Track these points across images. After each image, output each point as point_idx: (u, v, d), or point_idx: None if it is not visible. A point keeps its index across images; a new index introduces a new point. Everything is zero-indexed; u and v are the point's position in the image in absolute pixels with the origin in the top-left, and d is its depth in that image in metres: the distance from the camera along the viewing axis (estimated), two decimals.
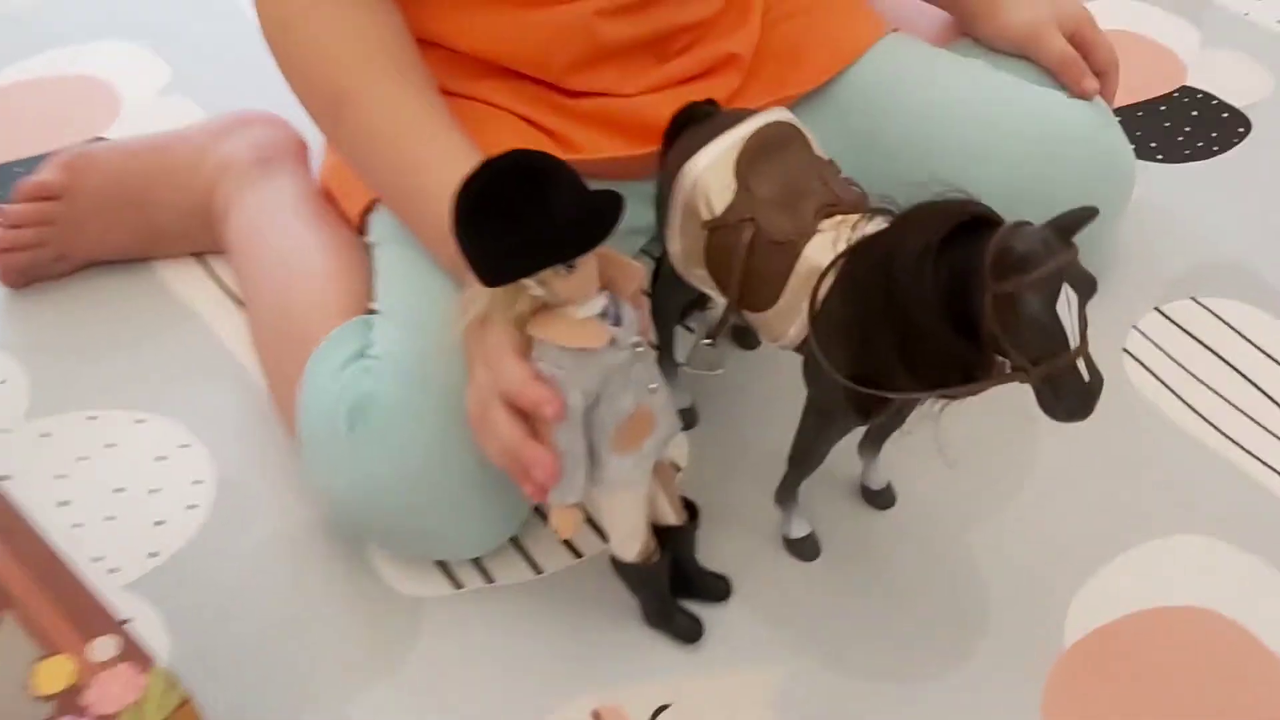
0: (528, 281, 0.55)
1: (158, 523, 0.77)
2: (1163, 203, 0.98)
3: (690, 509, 0.69)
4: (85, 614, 0.60)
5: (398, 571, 0.75)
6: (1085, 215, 0.54)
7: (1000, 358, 0.55)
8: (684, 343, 0.80)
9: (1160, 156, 1.02)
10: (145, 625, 0.71)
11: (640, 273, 0.60)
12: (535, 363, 0.58)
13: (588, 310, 0.57)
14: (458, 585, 0.74)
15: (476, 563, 0.75)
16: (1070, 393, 0.53)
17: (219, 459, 0.80)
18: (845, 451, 0.73)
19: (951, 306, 0.55)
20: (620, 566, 0.68)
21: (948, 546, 0.76)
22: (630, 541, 0.66)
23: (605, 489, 0.62)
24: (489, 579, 0.74)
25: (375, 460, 0.69)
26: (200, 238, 0.91)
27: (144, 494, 0.78)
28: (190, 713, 0.57)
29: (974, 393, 0.56)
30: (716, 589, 0.73)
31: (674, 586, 0.70)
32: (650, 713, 0.68)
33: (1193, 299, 0.90)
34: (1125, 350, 0.87)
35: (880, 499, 0.78)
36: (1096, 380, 0.54)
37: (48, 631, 0.59)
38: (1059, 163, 0.80)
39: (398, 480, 0.69)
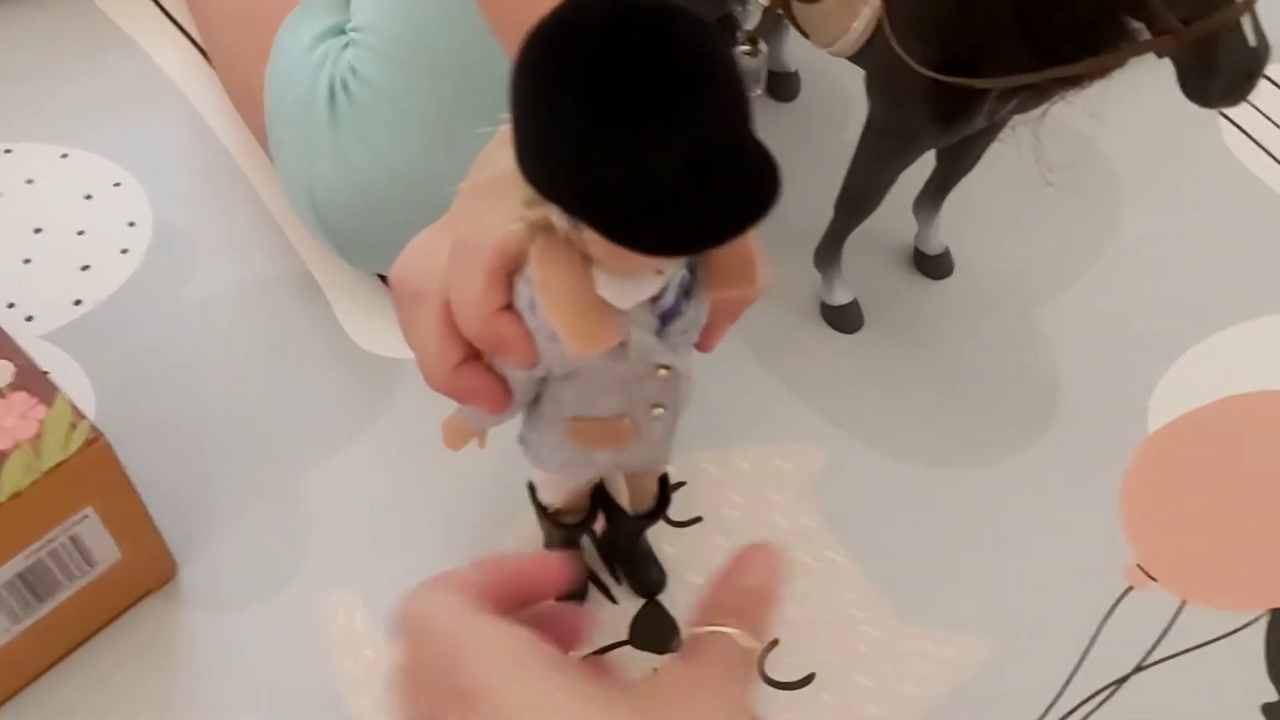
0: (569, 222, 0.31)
1: (84, 267, 0.65)
2: None
3: (661, 497, 0.49)
4: None
5: (368, 330, 0.63)
6: None
7: (1136, 22, 0.43)
8: None
9: None
10: (66, 381, 0.59)
11: (756, 289, 0.35)
12: (517, 285, 0.35)
13: (629, 290, 0.33)
14: None
15: None
16: (1230, 62, 0.41)
17: (156, 201, 0.68)
18: (897, 204, 0.62)
19: None
20: (532, 493, 0.50)
21: (1011, 323, 0.66)
22: (549, 489, 0.49)
23: (530, 452, 0.43)
24: None
25: (358, 146, 0.57)
26: None
27: (68, 235, 0.66)
28: (103, 453, 0.46)
29: (1102, 72, 0.45)
30: (646, 579, 0.55)
31: (602, 547, 0.56)
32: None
33: None
34: (1219, 111, 0.75)
35: (936, 266, 0.66)
36: (1263, 46, 0.42)
37: None
38: None
39: (383, 171, 0.58)
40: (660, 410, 0.39)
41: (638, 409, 0.39)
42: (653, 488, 0.49)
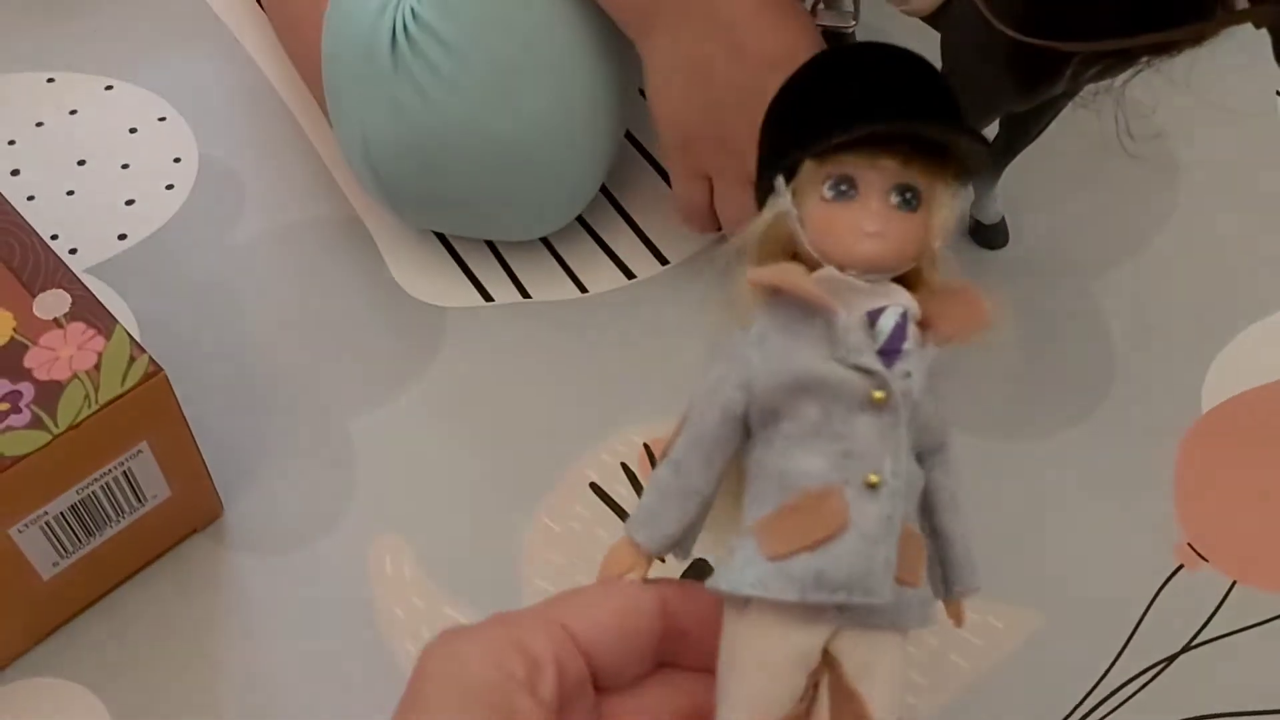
0: (780, 186, 0.29)
1: (128, 202, 0.64)
2: None
3: None
4: (29, 263, 0.47)
5: (417, 279, 0.62)
6: None
7: None
8: None
9: None
10: None
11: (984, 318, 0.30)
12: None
13: (840, 290, 0.28)
14: (488, 298, 0.62)
15: (510, 274, 0.63)
16: None
17: (202, 138, 0.67)
18: None
19: None
20: None
21: (1066, 295, 0.65)
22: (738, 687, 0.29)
23: (727, 584, 0.28)
24: (525, 294, 0.62)
25: (416, 96, 0.56)
26: None
27: (112, 169, 0.65)
28: (161, 387, 0.45)
29: (1196, 40, 0.43)
30: None
31: None
32: None
33: None
34: None
35: (991, 235, 0.65)
36: None
37: None
38: None
39: (439, 125, 0.56)
40: (878, 478, 0.28)
41: (851, 470, 0.28)
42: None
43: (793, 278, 0.28)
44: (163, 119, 0.67)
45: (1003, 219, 0.65)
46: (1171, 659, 0.54)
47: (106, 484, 0.46)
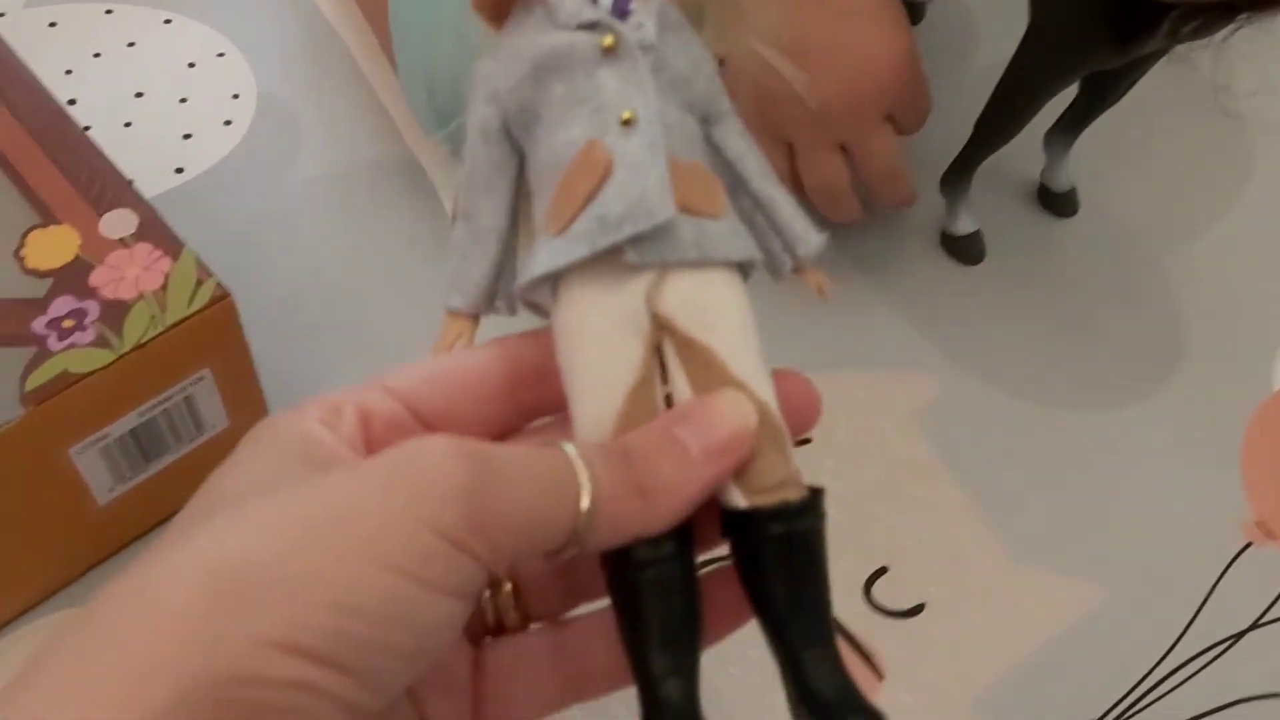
0: None
1: (186, 136, 0.63)
2: None
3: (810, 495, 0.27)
4: (96, 183, 0.46)
5: None
6: None
7: None
8: None
9: None
10: None
11: None
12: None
13: None
14: None
15: None
16: None
17: (261, 75, 0.66)
18: (1025, 134, 0.59)
19: None
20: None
21: (1137, 267, 0.63)
22: (593, 425, 0.26)
23: (524, 278, 0.27)
24: None
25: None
26: None
27: (170, 102, 0.64)
28: (228, 311, 0.44)
29: None
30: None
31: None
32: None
33: None
34: None
35: (1062, 204, 0.64)
36: None
37: (48, 197, 0.46)
38: None
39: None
40: (630, 114, 0.26)
41: (606, 122, 0.26)
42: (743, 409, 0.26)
43: None
44: (221, 54, 0.66)
45: (1073, 188, 0.64)
46: (1238, 637, 0.53)
47: (168, 409, 0.45)
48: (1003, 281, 0.62)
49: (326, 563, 0.20)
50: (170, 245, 0.45)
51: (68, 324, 0.42)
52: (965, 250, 0.62)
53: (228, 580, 0.20)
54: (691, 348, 0.26)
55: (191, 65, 0.66)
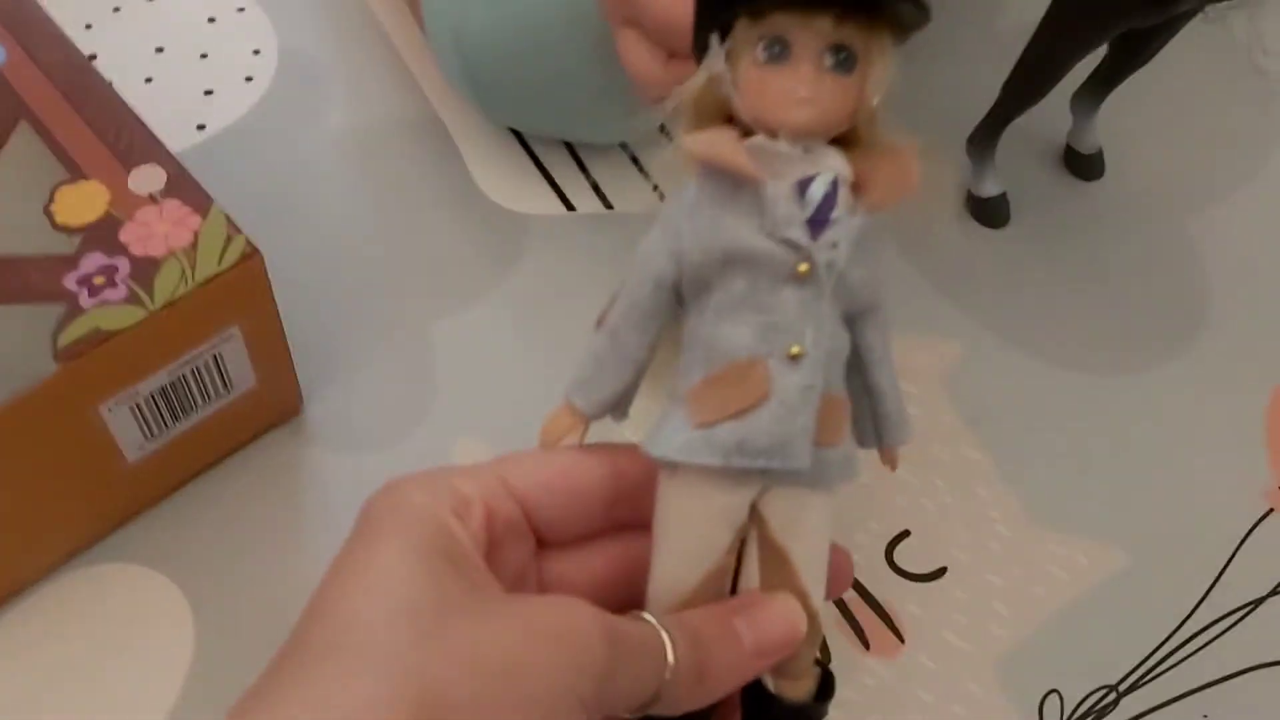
0: (714, 46, 0.28)
1: (206, 92, 0.62)
2: None
3: (824, 681, 0.31)
4: (123, 138, 0.46)
5: (500, 184, 0.61)
6: None
7: None
8: None
9: None
10: None
11: (912, 181, 0.29)
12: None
13: (771, 160, 0.27)
14: (570, 207, 0.61)
15: (593, 184, 0.62)
16: None
17: (282, 32, 0.65)
18: (1049, 104, 0.59)
19: None
20: None
21: (1162, 231, 0.63)
22: (667, 589, 0.30)
23: (656, 449, 0.29)
24: (607, 204, 0.61)
25: None
26: None
27: (190, 58, 0.64)
28: (258, 269, 0.44)
29: None
30: None
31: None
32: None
33: None
34: None
35: (1088, 166, 0.64)
36: None
37: (76, 153, 0.45)
38: None
39: (539, 12, 0.54)
40: (799, 349, 0.28)
41: (775, 341, 0.28)
42: (816, 631, 0.30)
43: (720, 149, 0.27)
44: (241, 9, 0.66)
45: (1100, 150, 0.63)
46: (1258, 602, 0.53)
47: (197, 367, 0.45)
48: (1028, 244, 0.62)
49: (504, 713, 0.24)
50: (199, 202, 0.44)
51: (99, 280, 0.42)
52: (991, 213, 0.61)
53: (428, 711, 0.23)
54: (773, 548, 0.29)
55: (212, 20, 0.65)
